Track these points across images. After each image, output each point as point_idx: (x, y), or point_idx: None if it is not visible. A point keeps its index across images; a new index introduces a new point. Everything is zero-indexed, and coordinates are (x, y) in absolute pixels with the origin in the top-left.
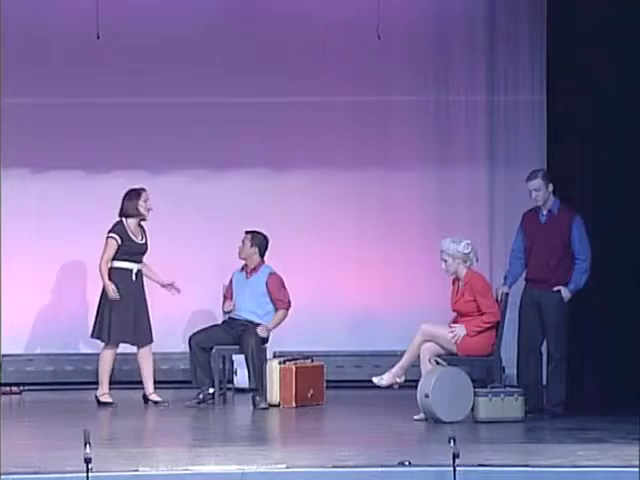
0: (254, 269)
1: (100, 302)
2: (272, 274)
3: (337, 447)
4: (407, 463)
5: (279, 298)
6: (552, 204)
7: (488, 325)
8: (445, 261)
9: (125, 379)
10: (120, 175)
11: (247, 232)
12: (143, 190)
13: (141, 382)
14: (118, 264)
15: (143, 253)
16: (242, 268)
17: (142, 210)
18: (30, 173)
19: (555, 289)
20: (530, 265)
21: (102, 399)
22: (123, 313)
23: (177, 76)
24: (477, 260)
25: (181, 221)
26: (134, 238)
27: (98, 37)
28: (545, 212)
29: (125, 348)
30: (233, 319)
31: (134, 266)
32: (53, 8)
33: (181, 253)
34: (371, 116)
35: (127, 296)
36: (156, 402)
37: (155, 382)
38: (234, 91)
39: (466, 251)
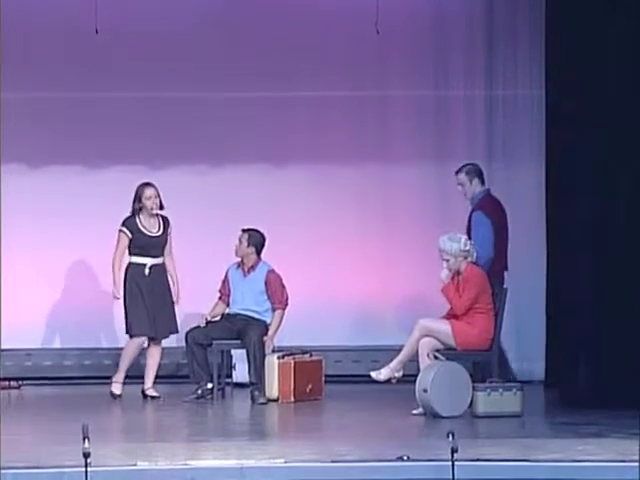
0: (252, 267)
1: (124, 297)
2: (270, 272)
3: (336, 442)
4: (406, 458)
5: (277, 298)
6: (473, 198)
7: (451, 310)
8: (447, 260)
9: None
10: (118, 170)
11: (243, 231)
12: (147, 185)
13: (141, 377)
14: (132, 259)
15: (158, 246)
16: (238, 265)
17: (148, 204)
18: (28, 169)
19: None
20: None
21: (112, 387)
22: (136, 308)
23: (175, 71)
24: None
25: (179, 216)
26: (145, 231)
27: (97, 32)
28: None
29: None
30: (231, 314)
31: (147, 260)
32: (51, 2)
33: (178, 248)
34: (370, 111)
35: (139, 292)
36: (152, 397)
37: (156, 377)
38: (232, 86)
39: (467, 248)
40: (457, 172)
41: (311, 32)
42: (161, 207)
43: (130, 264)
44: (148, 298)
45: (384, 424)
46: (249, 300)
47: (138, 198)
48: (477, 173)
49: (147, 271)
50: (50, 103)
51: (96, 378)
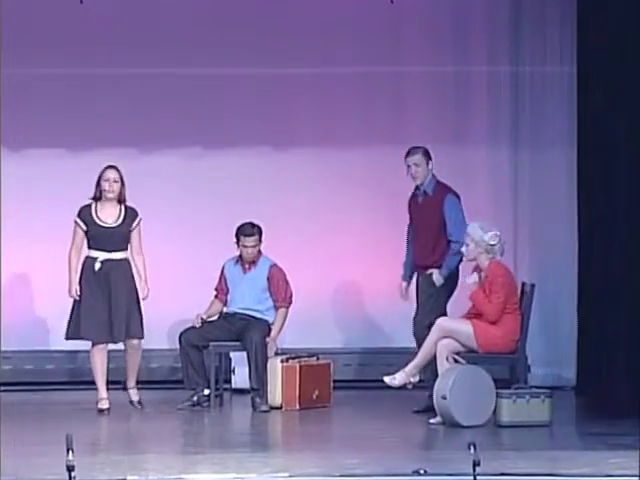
0: (253, 262)
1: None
2: (273, 267)
3: (345, 454)
4: (423, 472)
5: (281, 295)
6: (427, 184)
7: (482, 315)
8: (467, 245)
9: (111, 379)
10: (105, 154)
11: (248, 235)
12: (107, 168)
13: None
14: (88, 252)
15: (114, 239)
16: (237, 260)
17: (105, 186)
18: (9, 152)
19: (428, 272)
20: (413, 250)
21: (98, 405)
22: (85, 307)
23: (168, 45)
24: (501, 255)
25: (171, 204)
26: (98, 221)
27: (81, 2)
28: (421, 193)
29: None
30: (230, 314)
31: (99, 254)
32: None
33: (170, 240)
34: (381, 89)
35: (87, 289)
36: (130, 402)
37: (145, 382)
38: (231, 61)
39: (492, 242)
40: (410, 154)
41: (316, 1)
42: (121, 198)
43: (86, 257)
44: (97, 297)
45: (398, 434)
46: (250, 299)
47: (97, 181)
48: (429, 156)
49: (97, 266)
50: (28, 80)
51: (82, 383)
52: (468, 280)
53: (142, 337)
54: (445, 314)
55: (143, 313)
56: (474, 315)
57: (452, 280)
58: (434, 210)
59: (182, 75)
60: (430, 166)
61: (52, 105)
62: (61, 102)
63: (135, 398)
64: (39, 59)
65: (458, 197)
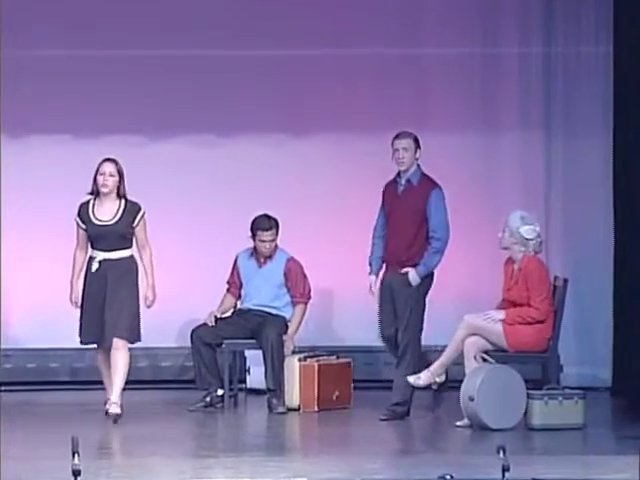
0: (269, 256)
1: None
2: (290, 261)
3: (366, 458)
4: (449, 477)
5: (298, 290)
6: (412, 173)
7: (531, 320)
8: (503, 231)
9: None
10: (112, 141)
11: (266, 229)
12: (105, 161)
13: (133, 382)
14: (90, 252)
15: (110, 237)
16: (251, 253)
17: (100, 180)
18: (8, 138)
19: (403, 271)
20: (386, 243)
21: (105, 406)
22: (84, 310)
23: (178, 26)
24: (536, 252)
25: (180, 195)
26: (94, 219)
27: None
28: (404, 182)
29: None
30: (244, 310)
31: (98, 254)
32: None
33: (180, 232)
34: (404, 72)
35: (86, 291)
36: (110, 412)
37: (155, 382)
38: (243, 43)
39: (527, 236)
40: (400, 137)
41: None
42: (120, 193)
43: (88, 258)
44: (94, 299)
45: (423, 438)
46: (266, 295)
47: (94, 175)
48: (419, 144)
49: (95, 266)
50: (31, 62)
51: (88, 383)
52: (497, 316)
53: (127, 339)
54: (423, 313)
55: (140, 316)
56: (510, 304)
57: (429, 277)
58: (417, 202)
59: (193, 57)
60: (417, 154)
61: (54, 88)
62: (63, 85)
63: (114, 411)
64: (40, 39)
65: (443, 192)
